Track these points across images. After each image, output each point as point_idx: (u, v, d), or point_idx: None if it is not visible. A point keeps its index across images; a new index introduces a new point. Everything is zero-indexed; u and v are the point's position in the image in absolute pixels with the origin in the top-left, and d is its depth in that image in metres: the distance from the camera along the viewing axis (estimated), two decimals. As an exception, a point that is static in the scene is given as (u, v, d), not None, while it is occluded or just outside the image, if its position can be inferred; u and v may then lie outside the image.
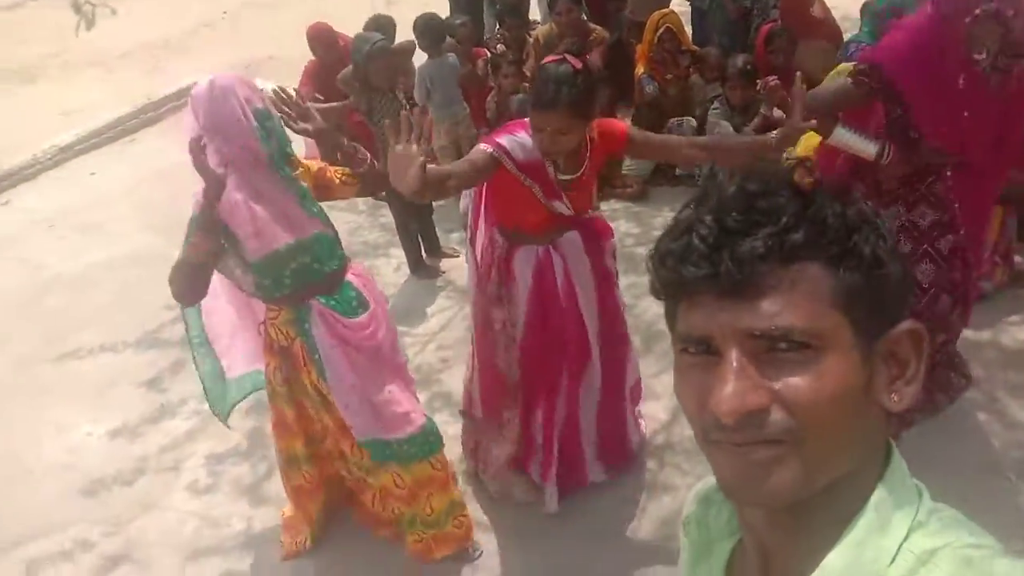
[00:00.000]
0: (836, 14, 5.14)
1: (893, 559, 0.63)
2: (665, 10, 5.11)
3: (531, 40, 5.44)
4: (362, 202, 5.63)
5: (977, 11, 2.22)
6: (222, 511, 3.22)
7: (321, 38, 5.14)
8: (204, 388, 2.80)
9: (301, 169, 2.44)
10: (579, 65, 2.30)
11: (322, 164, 2.57)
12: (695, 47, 5.27)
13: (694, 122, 4.89)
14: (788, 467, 0.63)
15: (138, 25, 9.39)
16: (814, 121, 2.29)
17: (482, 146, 2.41)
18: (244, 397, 2.89)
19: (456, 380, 3.67)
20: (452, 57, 4.79)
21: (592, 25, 5.35)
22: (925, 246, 2.62)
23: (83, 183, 6.68)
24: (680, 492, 2.95)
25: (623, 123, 2.51)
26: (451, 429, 3.36)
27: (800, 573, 0.66)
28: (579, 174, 2.48)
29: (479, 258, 2.74)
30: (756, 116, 4.35)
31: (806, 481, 0.64)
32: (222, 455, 3.50)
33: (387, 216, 4.86)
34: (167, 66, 8.58)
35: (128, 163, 6.69)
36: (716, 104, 4.70)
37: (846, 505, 0.66)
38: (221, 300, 2.68)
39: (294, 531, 2.94)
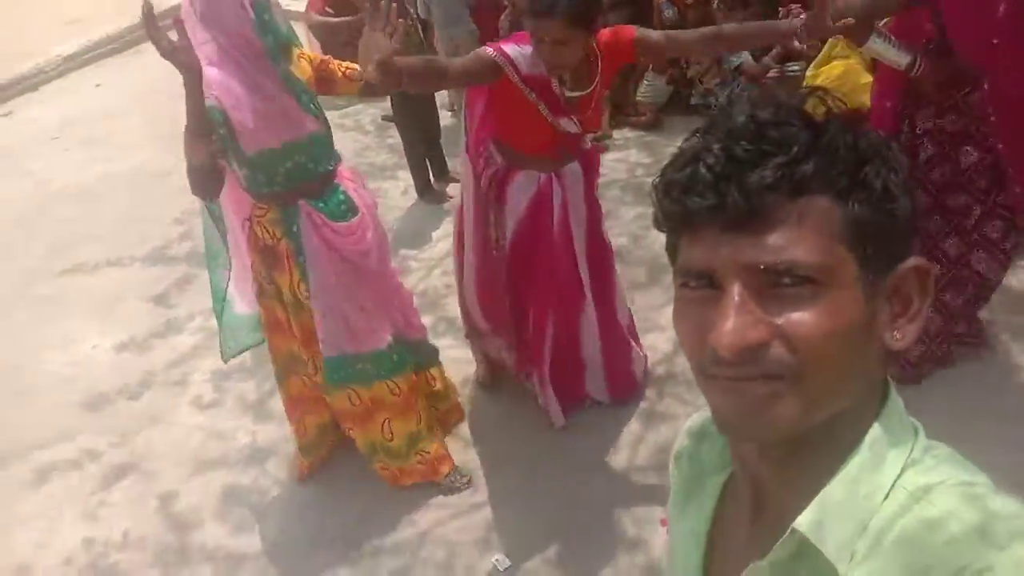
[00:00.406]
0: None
1: (887, 495, 0.64)
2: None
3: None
4: (369, 122, 5.55)
5: None
6: (227, 426, 3.28)
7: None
8: (216, 312, 2.77)
9: (303, 61, 2.36)
10: None
11: (326, 56, 2.47)
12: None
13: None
14: (786, 402, 0.63)
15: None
16: (844, 22, 2.12)
17: (486, 49, 2.32)
18: (245, 348, 2.85)
19: (460, 305, 3.69)
20: None
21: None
22: (947, 149, 2.58)
23: (88, 94, 6.60)
24: (679, 422, 2.96)
25: (628, 28, 2.36)
26: (453, 352, 3.39)
27: (793, 508, 0.66)
28: (589, 90, 2.38)
29: (477, 175, 2.67)
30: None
31: (803, 417, 0.63)
32: (227, 371, 3.53)
33: (395, 138, 4.79)
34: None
35: (134, 75, 6.58)
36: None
37: (842, 442, 0.66)
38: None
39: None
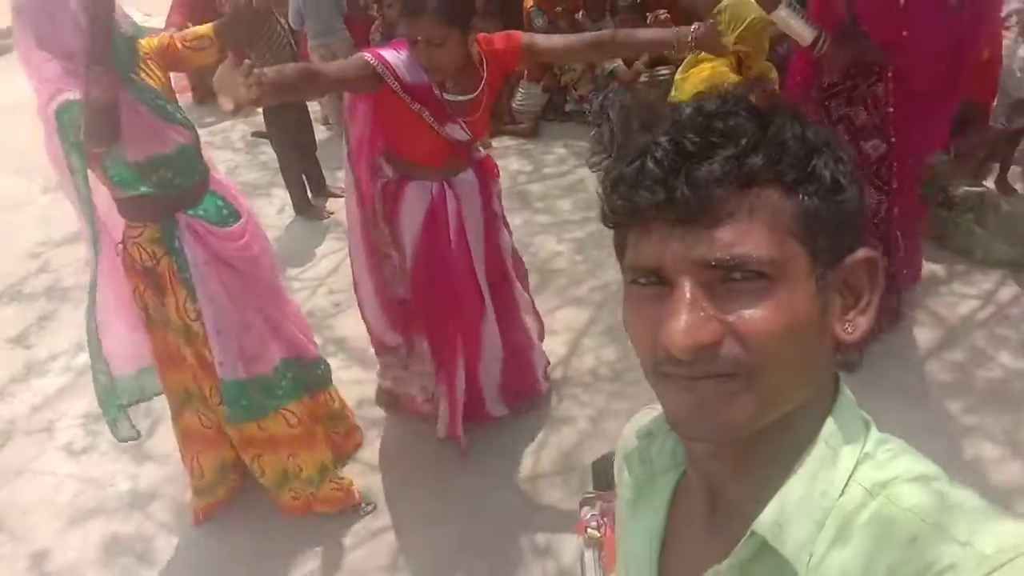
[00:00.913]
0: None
1: (842, 492, 0.63)
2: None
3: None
4: (239, 139, 5.34)
5: None
6: (103, 471, 3.05)
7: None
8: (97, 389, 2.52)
9: (151, 64, 2.21)
10: None
11: (165, 36, 2.29)
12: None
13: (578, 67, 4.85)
14: (740, 401, 0.62)
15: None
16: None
17: (364, 55, 2.23)
18: (131, 404, 2.61)
19: (349, 323, 3.58)
20: None
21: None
22: (855, 140, 2.69)
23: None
24: (578, 423, 3.00)
25: (516, 32, 2.34)
26: (344, 374, 3.29)
27: (749, 506, 0.65)
28: (475, 95, 2.33)
29: (362, 189, 2.57)
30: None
31: (758, 415, 0.62)
32: (98, 414, 3.23)
33: (267, 154, 4.63)
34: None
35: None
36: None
37: (796, 438, 0.65)
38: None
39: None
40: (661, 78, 4.41)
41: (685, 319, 0.60)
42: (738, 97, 0.64)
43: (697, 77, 4.12)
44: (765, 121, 0.62)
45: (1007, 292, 3.41)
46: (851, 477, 0.63)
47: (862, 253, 0.65)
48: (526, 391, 3.04)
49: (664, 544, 0.78)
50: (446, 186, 2.49)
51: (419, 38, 2.15)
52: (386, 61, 2.20)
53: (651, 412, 0.83)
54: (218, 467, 2.71)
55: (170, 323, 2.39)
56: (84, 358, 3.53)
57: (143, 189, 2.22)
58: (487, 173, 2.62)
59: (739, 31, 3.09)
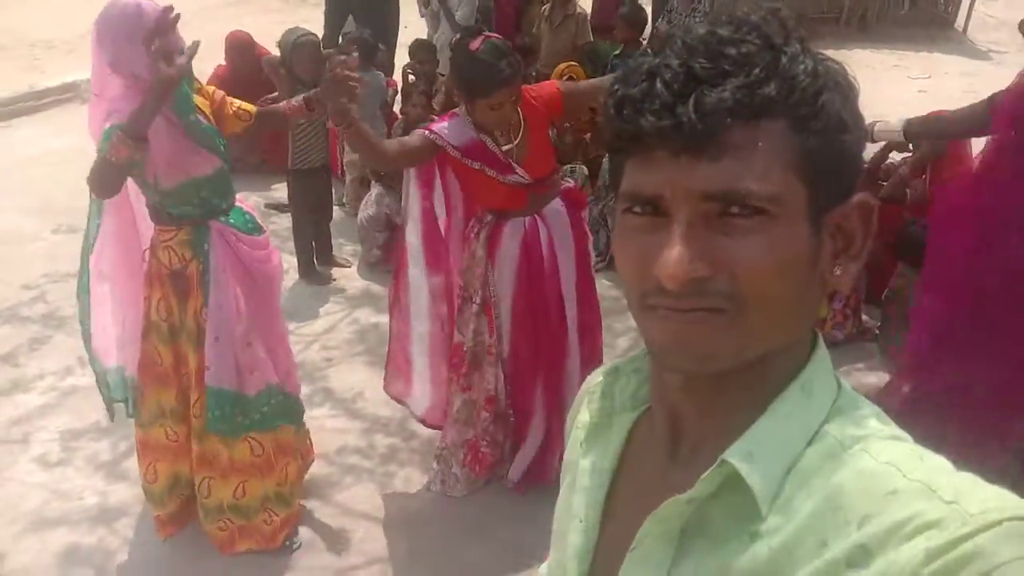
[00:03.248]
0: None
1: (811, 440, 0.62)
2: (571, 63, 5.43)
3: (441, 76, 5.63)
4: (252, 208, 5.54)
5: None
6: (73, 485, 3.00)
7: (240, 45, 5.15)
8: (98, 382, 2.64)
9: (201, 99, 2.40)
10: (500, 36, 2.46)
11: (223, 94, 2.51)
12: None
13: (585, 170, 5.15)
14: (726, 334, 0.61)
15: (16, 21, 8.99)
16: None
17: (418, 130, 2.49)
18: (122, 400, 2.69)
19: (339, 376, 3.64)
20: (380, 76, 4.87)
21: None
22: None
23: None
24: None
25: (551, 81, 2.58)
26: (330, 422, 3.33)
27: (713, 444, 0.64)
28: (521, 137, 2.50)
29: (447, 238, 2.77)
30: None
31: (742, 349, 0.62)
32: (79, 431, 3.27)
33: (277, 223, 4.81)
34: (48, 64, 8.21)
35: (4, 147, 6.31)
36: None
37: (772, 381, 0.65)
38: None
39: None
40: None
41: (679, 250, 0.59)
42: (752, 23, 0.61)
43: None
44: (778, 51, 0.60)
45: None
46: (822, 426, 0.63)
47: (858, 198, 0.65)
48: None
49: (613, 483, 0.76)
50: (538, 218, 2.65)
51: (506, 104, 2.38)
52: (438, 132, 2.44)
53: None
54: (171, 477, 2.68)
55: (184, 328, 2.46)
56: (71, 380, 3.58)
57: (184, 208, 2.36)
58: (575, 201, 2.76)
59: None
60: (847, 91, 0.63)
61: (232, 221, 2.44)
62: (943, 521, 0.54)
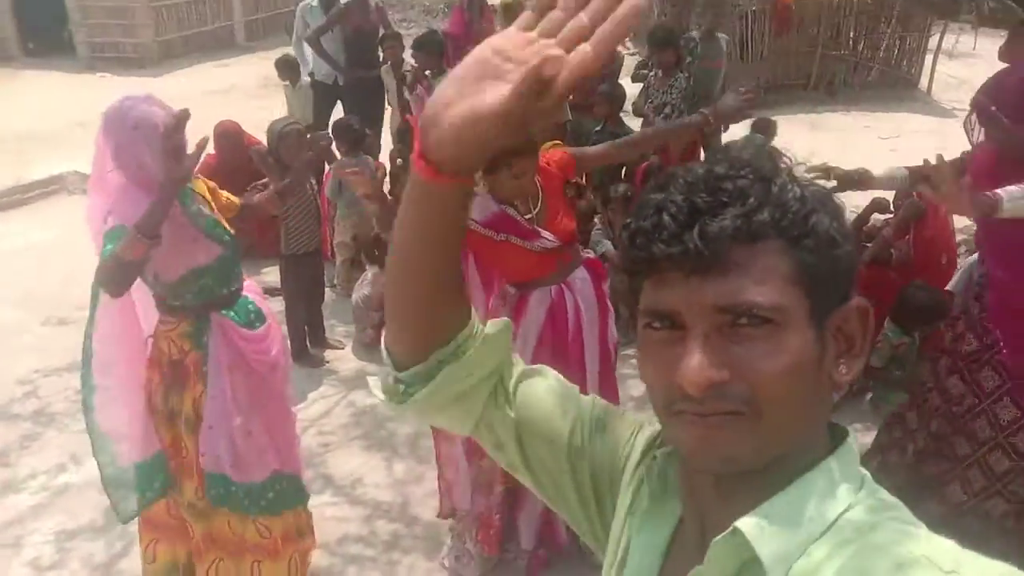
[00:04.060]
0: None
1: (830, 526, 0.67)
2: (556, 140, 5.54)
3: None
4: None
5: None
6: (69, 588, 2.92)
7: (229, 134, 5.22)
8: (102, 475, 2.51)
9: (201, 186, 2.46)
10: None
11: (213, 184, 2.56)
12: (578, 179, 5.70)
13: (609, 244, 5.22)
14: (746, 435, 0.67)
15: (1, 114, 9.10)
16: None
17: None
18: (155, 498, 2.55)
19: (338, 462, 3.60)
20: (369, 161, 4.97)
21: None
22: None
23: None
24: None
25: (559, 149, 2.65)
26: (330, 510, 3.28)
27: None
28: (540, 204, 2.53)
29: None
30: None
31: (762, 449, 0.68)
32: (72, 531, 3.20)
33: (269, 306, 4.81)
34: (34, 157, 8.28)
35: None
36: (598, 224, 5.07)
37: (794, 476, 0.70)
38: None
39: None
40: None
41: (699, 358, 0.66)
42: (744, 160, 0.71)
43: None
44: (769, 182, 0.69)
45: None
46: (842, 515, 0.68)
47: (855, 302, 0.72)
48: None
49: (664, 563, 0.81)
50: (564, 287, 2.64)
51: (528, 171, 2.42)
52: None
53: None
54: (170, 562, 2.64)
55: (180, 414, 2.45)
56: (63, 478, 3.52)
57: (185, 299, 2.39)
58: (596, 271, 2.77)
59: None
60: (834, 211, 0.71)
61: (233, 315, 2.46)
62: None
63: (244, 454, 2.49)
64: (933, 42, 9.91)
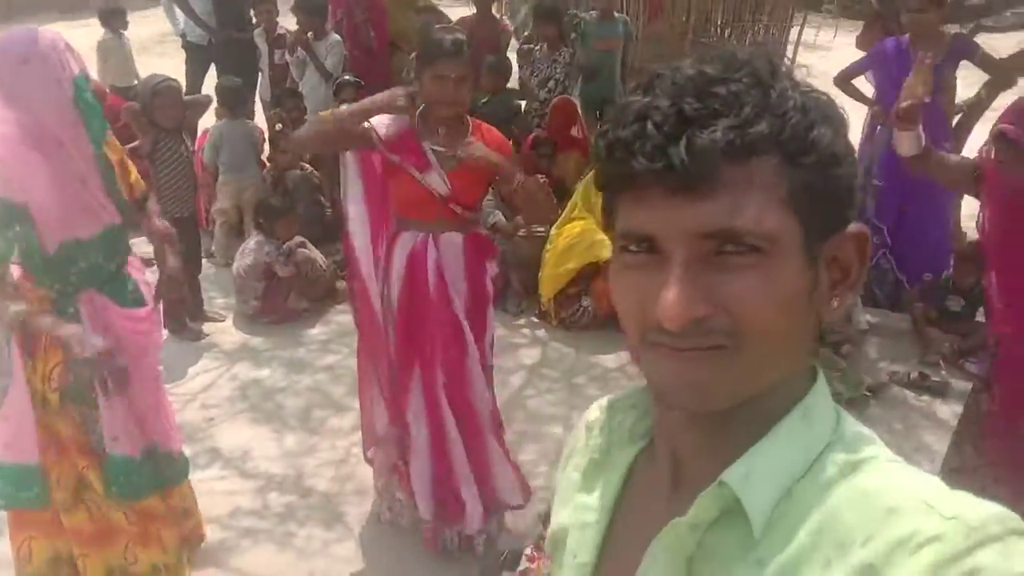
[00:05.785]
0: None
1: (811, 466, 0.63)
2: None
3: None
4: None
5: None
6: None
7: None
8: None
9: (114, 143, 2.26)
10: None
11: (126, 152, 2.39)
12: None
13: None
14: (727, 371, 0.61)
15: None
16: None
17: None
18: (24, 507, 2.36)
19: (223, 436, 3.45)
20: (251, 124, 4.77)
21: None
22: None
23: None
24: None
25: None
26: (219, 485, 3.14)
27: (715, 476, 0.63)
28: (460, 152, 2.44)
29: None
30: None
31: (743, 386, 0.62)
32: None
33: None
34: None
35: None
36: (490, 195, 5.06)
37: (772, 413, 0.65)
38: None
39: None
40: (536, 235, 4.81)
41: (678, 291, 0.59)
42: (740, 61, 0.62)
43: (570, 232, 4.57)
44: (767, 88, 0.60)
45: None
46: (821, 454, 0.63)
47: (852, 228, 0.65)
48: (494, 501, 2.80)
49: (611, 520, 0.75)
50: (430, 238, 2.56)
51: (452, 75, 2.37)
52: (374, 121, 2.46)
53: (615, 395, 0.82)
54: (50, 558, 2.43)
55: (44, 401, 2.24)
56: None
57: (57, 287, 2.16)
58: (480, 247, 2.66)
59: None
60: (837, 124, 0.63)
61: (106, 288, 2.24)
62: (945, 535, 0.54)
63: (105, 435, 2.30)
64: (794, 34, 10.49)
